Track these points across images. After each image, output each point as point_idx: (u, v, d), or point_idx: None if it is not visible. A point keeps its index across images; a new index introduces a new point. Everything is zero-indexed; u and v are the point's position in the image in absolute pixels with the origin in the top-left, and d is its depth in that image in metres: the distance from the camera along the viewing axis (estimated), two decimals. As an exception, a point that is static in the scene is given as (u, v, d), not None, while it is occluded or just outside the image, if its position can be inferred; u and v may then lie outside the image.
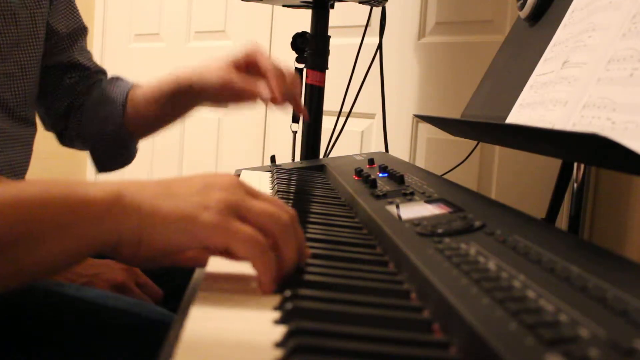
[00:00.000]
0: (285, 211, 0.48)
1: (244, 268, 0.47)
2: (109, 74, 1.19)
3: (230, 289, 0.46)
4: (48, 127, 1.14)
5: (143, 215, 0.44)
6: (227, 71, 0.97)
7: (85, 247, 0.44)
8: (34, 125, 1.03)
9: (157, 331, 0.71)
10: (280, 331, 0.37)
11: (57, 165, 2.55)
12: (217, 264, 0.50)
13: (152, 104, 1.06)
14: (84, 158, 1.15)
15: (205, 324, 0.39)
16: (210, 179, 0.48)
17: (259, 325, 0.39)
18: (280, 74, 0.94)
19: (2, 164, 0.96)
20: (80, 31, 1.13)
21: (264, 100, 0.93)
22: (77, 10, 1.13)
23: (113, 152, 1.11)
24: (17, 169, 0.99)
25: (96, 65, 1.16)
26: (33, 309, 0.73)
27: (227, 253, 0.47)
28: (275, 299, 0.44)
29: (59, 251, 0.43)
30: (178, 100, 1.04)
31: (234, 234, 0.44)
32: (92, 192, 0.44)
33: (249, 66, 0.98)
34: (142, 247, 0.44)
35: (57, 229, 0.43)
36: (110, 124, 1.07)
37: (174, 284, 0.94)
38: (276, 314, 0.41)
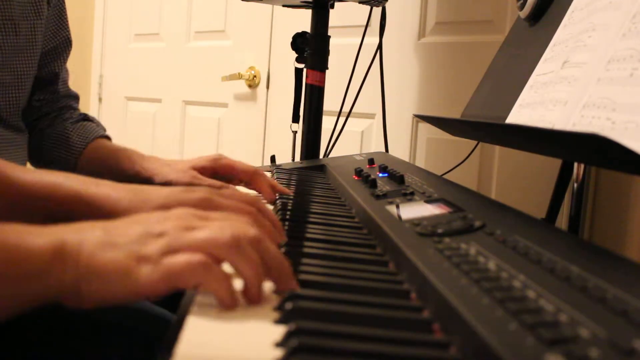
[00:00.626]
0: (231, 229, 0.45)
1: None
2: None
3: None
4: None
5: (81, 268, 0.42)
6: (192, 174, 0.94)
7: (25, 299, 0.42)
8: (24, 131, 1.03)
9: (157, 331, 0.71)
10: (280, 331, 0.37)
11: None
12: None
13: (108, 172, 1.02)
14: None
15: (204, 324, 0.39)
16: (149, 219, 0.47)
17: (259, 325, 0.39)
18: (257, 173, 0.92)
19: None
20: (64, 45, 1.11)
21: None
22: (66, 23, 1.11)
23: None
24: None
25: (67, 90, 1.14)
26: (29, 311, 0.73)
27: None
28: (275, 300, 0.44)
29: None
30: (135, 181, 1.00)
31: (170, 274, 0.42)
32: (34, 242, 0.42)
33: (217, 172, 0.96)
34: (83, 299, 0.42)
35: None
36: (64, 166, 1.06)
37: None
38: (276, 314, 0.41)
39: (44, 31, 1.05)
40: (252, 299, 0.44)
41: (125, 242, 0.44)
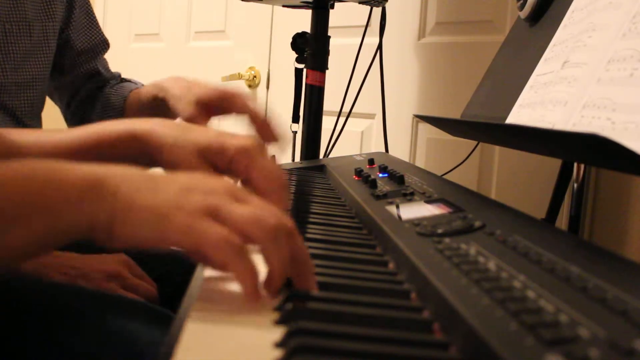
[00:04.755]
0: (275, 216, 0.44)
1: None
2: None
3: (229, 291, 0.46)
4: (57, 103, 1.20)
5: (117, 206, 0.42)
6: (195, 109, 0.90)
7: (57, 230, 0.42)
8: None
9: (157, 331, 0.71)
10: (280, 331, 0.37)
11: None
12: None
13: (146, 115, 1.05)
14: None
15: (204, 324, 0.39)
16: (197, 180, 0.46)
17: (259, 325, 0.39)
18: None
19: None
20: (102, 45, 1.17)
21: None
22: (98, 25, 1.17)
23: None
24: None
25: (111, 74, 1.20)
26: (29, 307, 0.73)
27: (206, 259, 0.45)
28: (275, 301, 0.44)
29: (29, 235, 0.41)
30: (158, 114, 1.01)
31: (204, 235, 0.41)
32: (72, 173, 0.42)
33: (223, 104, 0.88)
34: (113, 238, 0.42)
35: (31, 209, 0.41)
36: None
37: (174, 283, 0.94)
38: (276, 314, 0.41)
39: (77, 30, 1.11)
40: (272, 291, 0.43)
41: (167, 190, 0.44)
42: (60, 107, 1.19)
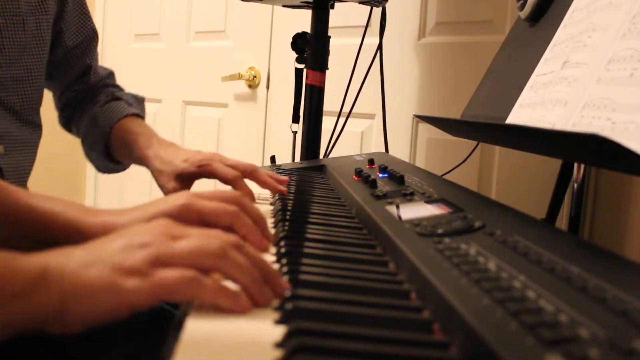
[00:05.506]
0: (215, 237, 0.46)
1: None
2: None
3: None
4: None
5: (66, 289, 0.41)
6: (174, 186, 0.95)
7: (6, 325, 0.41)
8: (39, 127, 1.06)
9: (159, 326, 0.71)
10: (280, 331, 0.37)
11: (58, 165, 2.55)
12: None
13: (127, 156, 1.08)
14: (84, 158, 1.18)
15: (204, 324, 0.39)
16: (130, 234, 0.46)
17: (259, 325, 0.39)
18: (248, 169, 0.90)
19: (7, 167, 0.97)
20: (90, 37, 1.15)
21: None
22: (89, 15, 1.15)
23: (104, 164, 1.16)
24: (21, 172, 1.01)
25: (98, 75, 1.18)
26: None
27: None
28: (275, 302, 0.44)
29: None
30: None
31: (162, 288, 0.41)
32: (19, 264, 0.41)
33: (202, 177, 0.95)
34: (68, 323, 0.41)
35: None
36: (98, 147, 1.12)
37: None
38: (276, 314, 0.41)
39: (69, 26, 1.09)
40: (256, 302, 0.44)
41: (108, 256, 0.43)
42: (53, 99, 1.20)
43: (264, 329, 0.39)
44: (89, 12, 1.15)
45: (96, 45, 1.17)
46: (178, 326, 0.39)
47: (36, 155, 1.06)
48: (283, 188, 0.87)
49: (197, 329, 0.38)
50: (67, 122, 1.20)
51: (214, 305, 0.42)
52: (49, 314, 0.41)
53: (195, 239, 0.45)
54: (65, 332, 0.42)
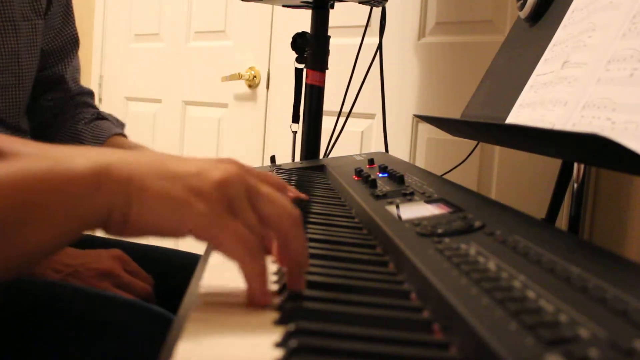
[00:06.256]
0: (293, 207, 0.45)
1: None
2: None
3: (229, 291, 0.46)
4: None
5: (133, 191, 0.40)
6: None
7: (73, 227, 0.40)
8: (26, 132, 1.03)
9: (157, 332, 0.71)
10: (279, 331, 0.37)
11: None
12: (215, 272, 0.50)
13: None
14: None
15: (204, 324, 0.39)
16: (209, 161, 0.45)
17: (259, 325, 0.39)
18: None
19: None
20: (70, 44, 1.09)
21: None
22: (72, 20, 1.09)
23: None
24: None
25: (79, 87, 1.13)
26: (25, 309, 0.73)
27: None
28: (274, 302, 0.44)
29: (46, 234, 0.39)
30: None
31: (223, 230, 0.41)
32: (78, 166, 0.40)
33: None
34: (129, 225, 0.41)
35: (41, 212, 0.39)
36: None
37: (174, 283, 0.94)
38: (276, 314, 0.41)
39: (48, 30, 1.04)
40: (295, 284, 0.43)
41: (182, 173, 0.42)
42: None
43: (264, 329, 0.39)
44: (73, 18, 1.09)
45: (75, 53, 1.11)
46: (178, 326, 0.39)
47: None
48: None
49: (196, 328, 0.38)
50: (38, 133, 1.10)
51: (245, 279, 0.42)
52: (114, 211, 0.40)
53: (276, 196, 0.44)
54: (122, 235, 0.41)
